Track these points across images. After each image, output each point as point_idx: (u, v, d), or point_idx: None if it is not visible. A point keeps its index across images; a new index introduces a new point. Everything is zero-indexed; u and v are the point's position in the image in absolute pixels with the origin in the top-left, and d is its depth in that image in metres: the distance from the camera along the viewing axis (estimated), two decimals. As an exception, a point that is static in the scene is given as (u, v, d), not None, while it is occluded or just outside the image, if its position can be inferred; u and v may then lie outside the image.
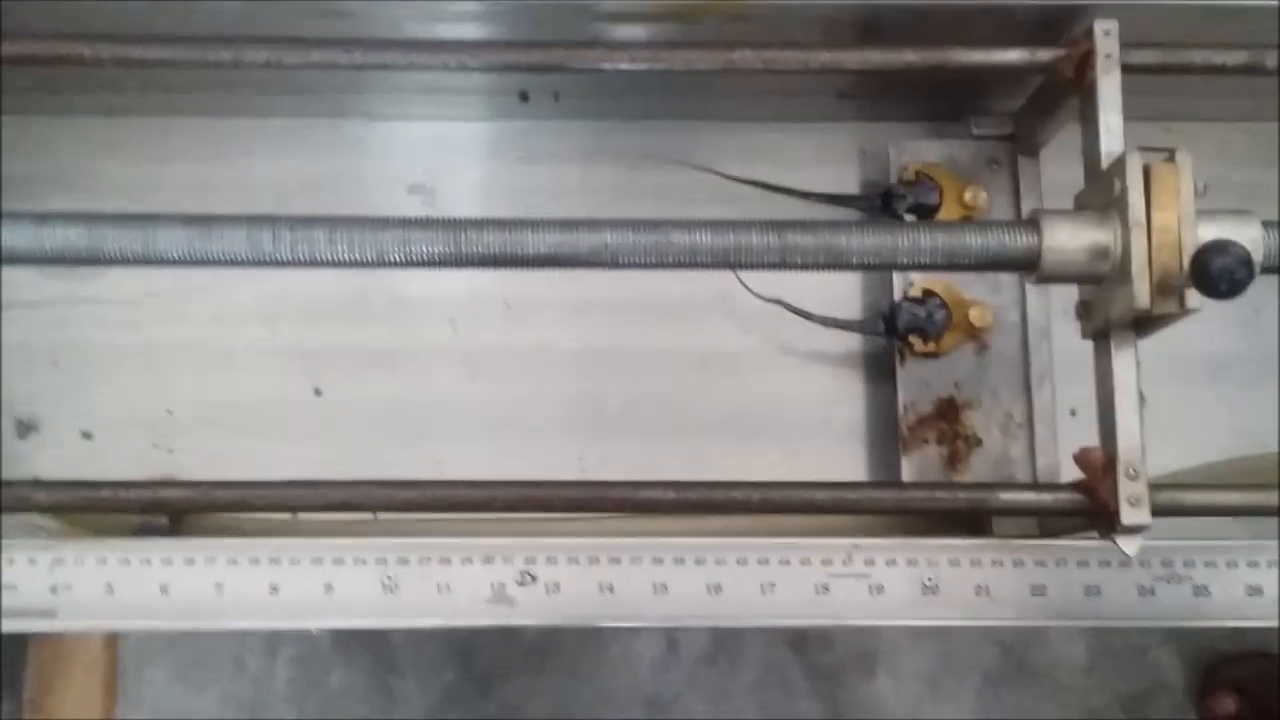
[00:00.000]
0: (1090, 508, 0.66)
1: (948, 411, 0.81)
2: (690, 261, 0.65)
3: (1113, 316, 0.64)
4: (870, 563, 0.65)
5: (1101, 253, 0.63)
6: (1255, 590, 0.65)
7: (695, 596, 0.64)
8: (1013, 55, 0.71)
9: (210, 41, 0.69)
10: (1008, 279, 0.83)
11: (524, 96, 0.85)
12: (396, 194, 0.86)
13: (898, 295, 0.82)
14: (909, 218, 0.82)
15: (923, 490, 0.68)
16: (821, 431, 0.85)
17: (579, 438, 0.83)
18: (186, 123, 0.86)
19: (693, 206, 0.87)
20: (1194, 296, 0.61)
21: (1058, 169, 0.82)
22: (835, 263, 0.65)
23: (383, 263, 0.64)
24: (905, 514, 0.68)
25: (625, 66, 0.71)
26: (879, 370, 0.86)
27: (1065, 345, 0.82)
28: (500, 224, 0.64)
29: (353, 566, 0.65)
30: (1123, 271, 0.62)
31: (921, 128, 0.88)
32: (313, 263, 0.64)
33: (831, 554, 0.65)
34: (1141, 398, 0.66)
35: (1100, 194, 0.65)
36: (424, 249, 0.64)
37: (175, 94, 0.82)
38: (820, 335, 0.86)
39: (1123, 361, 0.66)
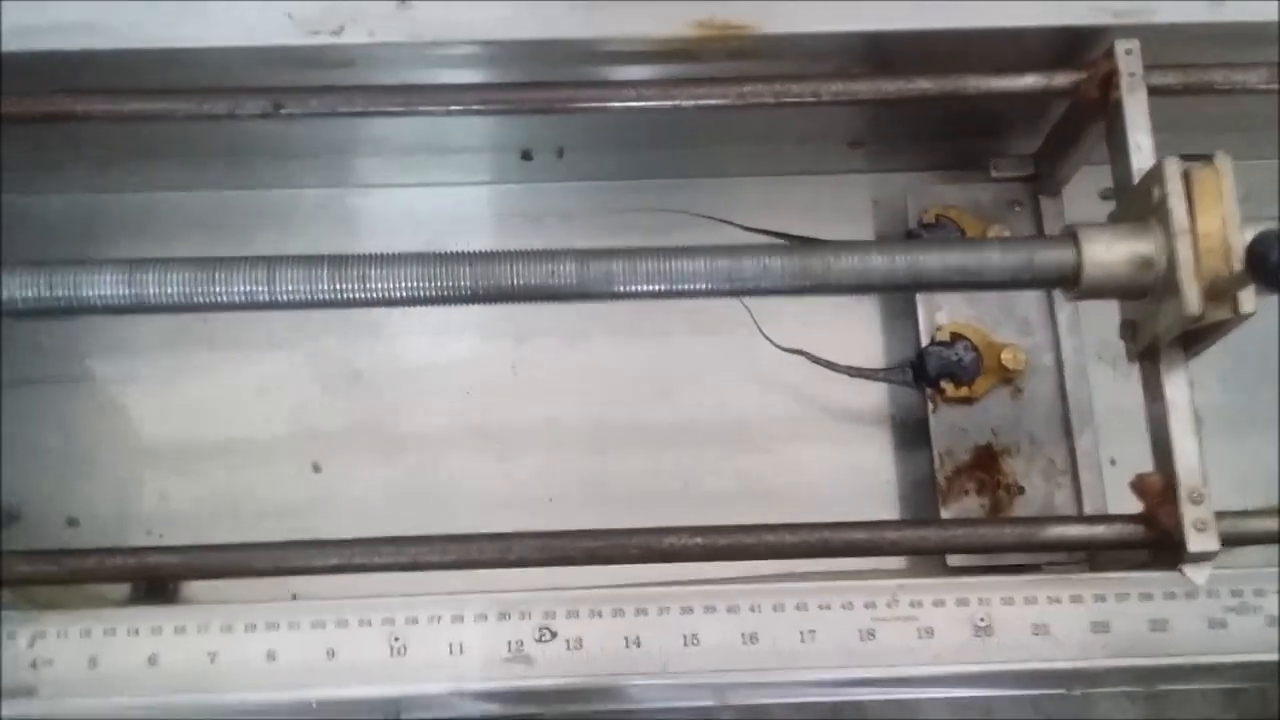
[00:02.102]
0: (1151, 538, 0.62)
1: (986, 459, 0.77)
2: (705, 289, 0.61)
3: (1160, 331, 0.61)
4: (917, 604, 0.60)
5: (1145, 263, 0.59)
6: (1339, 619, 0.59)
7: (730, 647, 0.59)
8: (1030, 80, 0.69)
9: (206, 94, 0.67)
10: (1038, 319, 0.79)
11: (527, 155, 0.83)
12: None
13: (924, 340, 0.79)
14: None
15: (966, 527, 0.63)
16: (854, 493, 0.81)
17: (592, 514, 0.78)
18: (182, 197, 0.84)
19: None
20: (1248, 299, 0.57)
21: (1080, 210, 0.80)
22: (861, 283, 0.62)
23: (341, 300, 0.61)
24: (949, 552, 0.64)
25: (633, 104, 0.69)
26: (908, 424, 0.82)
27: (1100, 394, 0.78)
28: (482, 256, 0.61)
29: (357, 629, 0.60)
30: (1169, 281, 0.59)
31: (937, 176, 0.85)
32: (262, 303, 0.60)
33: (875, 596, 0.60)
34: (1199, 420, 0.62)
35: (1136, 207, 0.62)
36: (390, 285, 0.61)
37: (171, 163, 0.80)
38: (845, 392, 0.83)
39: (1174, 380, 0.62)
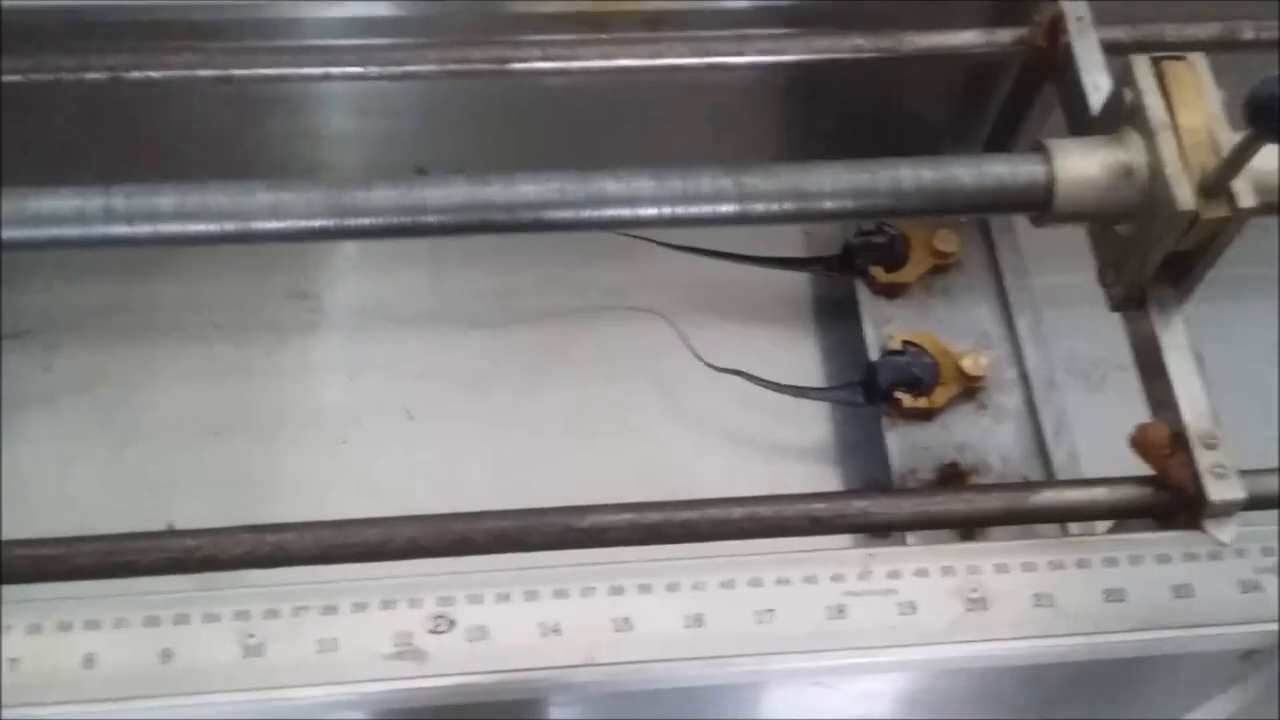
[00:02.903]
0: (1161, 500, 0.52)
1: (952, 479, 0.67)
2: (631, 218, 0.53)
3: (1149, 254, 0.53)
4: (895, 575, 0.49)
5: (1124, 171, 0.53)
6: (1391, 577, 0.50)
7: (670, 633, 0.48)
8: (971, 37, 0.64)
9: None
10: (996, 330, 0.72)
11: (421, 171, 0.75)
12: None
13: (874, 355, 0.70)
14: (875, 271, 0.72)
15: (943, 496, 0.53)
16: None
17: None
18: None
19: (629, 287, 0.77)
20: (1245, 191, 0.50)
21: None
22: (804, 211, 0.54)
23: (247, 236, 0.52)
24: (925, 527, 0.53)
25: (539, 65, 0.62)
26: (860, 451, 0.72)
27: (1073, 408, 0.70)
28: (394, 181, 0.52)
29: (201, 625, 0.47)
30: (1154, 189, 0.52)
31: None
32: (156, 240, 0.51)
33: (844, 567, 0.49)
34: (1200, 359, 0.54)
35: (1106, 123, 0.56)
36: (298, 216, 0.52)
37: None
38: (786, 424, 0.74)
39: (1166, 320, 0.55)
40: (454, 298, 0.77)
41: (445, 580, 0.49)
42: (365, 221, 0.52)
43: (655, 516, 0.51)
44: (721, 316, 0.77)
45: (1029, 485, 0.54)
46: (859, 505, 0.52)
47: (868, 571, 0.49)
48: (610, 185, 0.52)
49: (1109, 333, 0.58)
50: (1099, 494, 0.53)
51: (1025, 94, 0.67)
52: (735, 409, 0.73)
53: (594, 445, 0.73)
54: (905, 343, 0.70)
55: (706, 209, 0.52)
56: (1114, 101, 0.55)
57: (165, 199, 0.51)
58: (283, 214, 0.52)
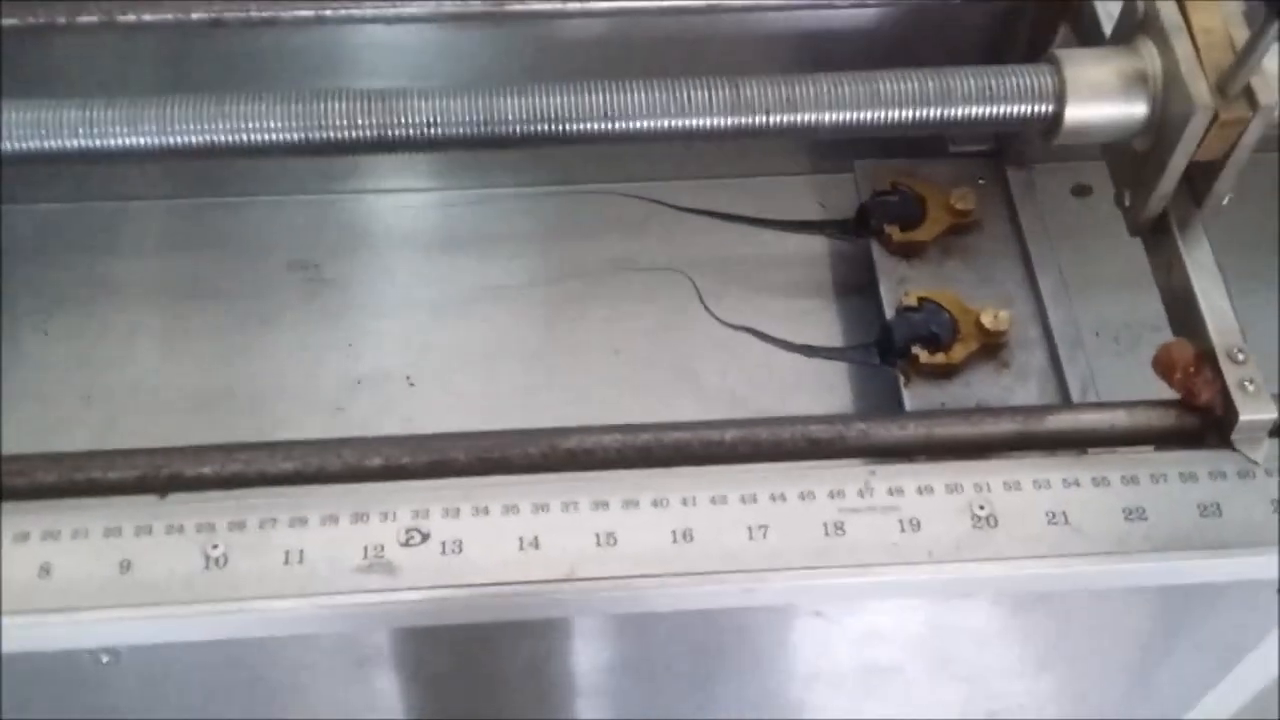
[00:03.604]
0: (1186, 422, 0.49)
1: (971, 437, 0.64)
2: (627, 130, 0.51)
3: (1166, 175, 0.51)
4: (897, 492, 0.46)
5: (1138, 78, 0.50)
6: None
7: (657, 548, 0.45)
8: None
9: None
10: (1017, 288, 0.69)
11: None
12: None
13: (889, 313, 0.68)
14: (890, 230, 0.70)
15: (951, 419, 0.50)
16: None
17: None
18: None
19: (641, 253, 0.75)
20: (1266, 86, 0.47)
21: (1052, 205, 0.72)
22: (801, 125, 0.51)
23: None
24: (931, 452, 0.50)
25: (536, 6, 0.60)
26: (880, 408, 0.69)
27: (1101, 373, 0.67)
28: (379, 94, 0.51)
29: (163, 537, 0.45)
30: (1171, 93, 0.49)
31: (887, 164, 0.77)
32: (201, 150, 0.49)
33: (843, 483, 0.46)
34: (1223, 272, 0.51)
35: (1120, 38, 0.53)
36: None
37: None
38: (803, 390, 0.71)
39: (1190, 237, 0.52)
40: (461, 264, 0.75)
41: (421, 494, 0.46)
42: (355, 134, 0.51)
43: (645, 438, 0.49)
44: (738, 283, 0.75)
45: (1043, 408, 0.50)
46: (860, 427, 0.49)
47: (869, 488, 0.46)
48: (603, 96, 0.50)
49: (1138, 296, 0.56)
50: (1119, 417, 0.50)
51: (1044, 35, 0.65)
52: (752, 373, 0.70)
53: (605, 411, 0.70)
54: (921, 299, 0.67)
55: (702, 121, 0.50)
56: (1127, 16, 0.53)
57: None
58: (268, 125, 0.50)
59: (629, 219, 0.76)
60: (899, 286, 0.69)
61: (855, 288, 0.74)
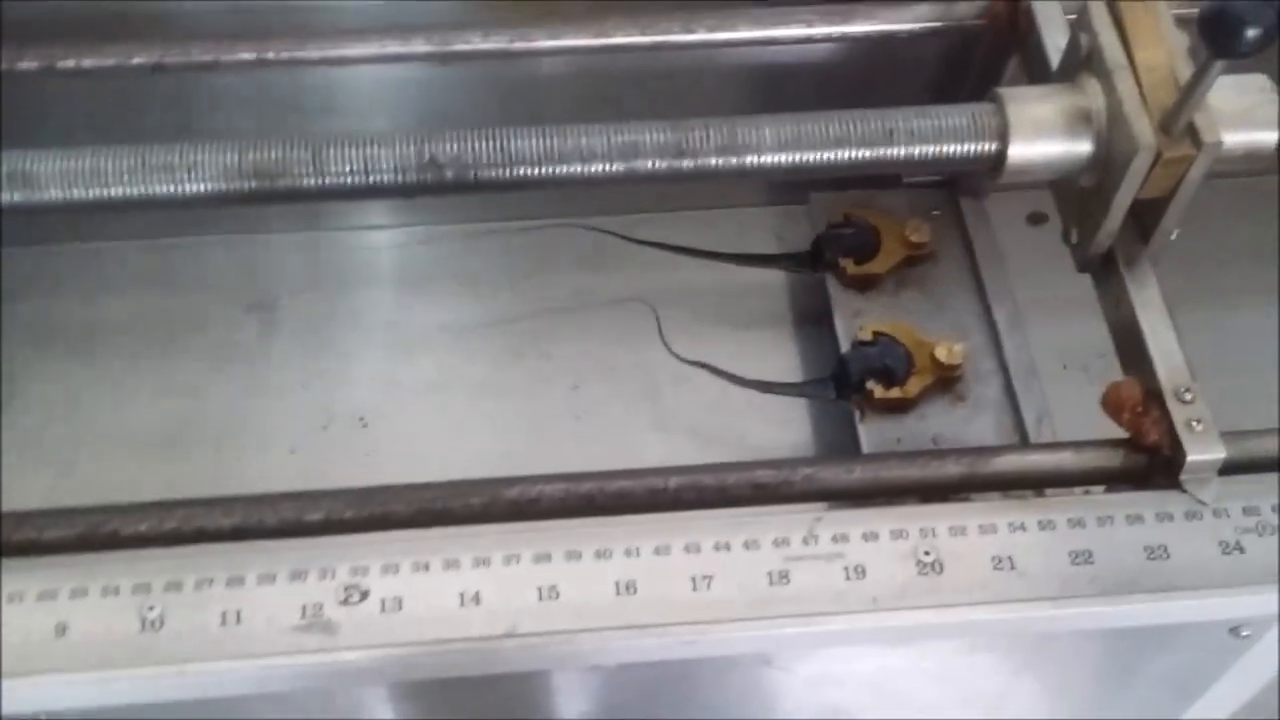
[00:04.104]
0: (1135, 462, 0.49)
1: (927, 471, 0.63)
2: (581, 174, 0.51)
3: (1112, 213, 0.50)
4: (842, 539, 0.46)
5: (1083, 116, 0.50)
6: (1382, 536, 0.46)
7: (599, 602, 0.45)
8: (927, 10, 0.62)
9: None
10: (972, 319, 0.69)
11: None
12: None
13: (845, 346, 0.67)
14: (845, 263, 0.69)
15: (898, 462, 0.50)
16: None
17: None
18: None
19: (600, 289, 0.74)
20: (1208, 125, 0.47)
21: (1008, 234, 0.72)
22: (744, 168, 0.51)
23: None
24: (878, 495, 0.50)
25: (482, 46, 0.60)
26: (839, 449, 0.69)
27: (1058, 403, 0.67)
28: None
29: (99, 600, 0.44)
30: (1114, 132, 0.49)
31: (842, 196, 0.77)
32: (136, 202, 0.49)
33: (788, 531, 0.46)
34: (1171, 312, 0.51)
35: (1065, 76, 0.53)
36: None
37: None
38: (765, 424, 0.71)
39: (1136, 274, 0.52)
40: (419, 302, 0.75)
41: (361, 549, 0.46)
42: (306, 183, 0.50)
43: (588, 486, 0.48)
44: (697, 315, 0.75)
45: (991, 450, 0.50)
46: (806, 472, 0.49)
47: (813, 535, 0.46)
48: (524, 141, 0.50)
49: (1096, 325, 0.56)
50: (1066, 458, 0.49)
51: (995, 68, 0.65)
52: (713, 406, 0.70)
53: (565, 448, 0.70)
54: (876, 333, 0.67)
55: (645, 164, 0.50)
56: (1071, 50, 0.53)
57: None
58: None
59: (587, 253, 0.76)
60: (854, 319, 0.69)
61: (814, 319, 0.74)
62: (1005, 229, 0.72)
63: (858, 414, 0.66)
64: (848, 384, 0.66)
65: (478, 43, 0.61)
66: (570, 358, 0.73)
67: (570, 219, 0.76)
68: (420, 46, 0.60)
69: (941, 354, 0.65)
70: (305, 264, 0.75)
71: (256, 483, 0.66)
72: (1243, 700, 0.56)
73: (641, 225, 0.76)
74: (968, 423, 0.65)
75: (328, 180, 0.49)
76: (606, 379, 0.73)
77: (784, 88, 0.72)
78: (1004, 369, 0.67)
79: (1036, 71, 0.58)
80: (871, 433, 0.65)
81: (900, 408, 0.65)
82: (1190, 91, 0.46)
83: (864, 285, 0.70)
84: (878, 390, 0.65)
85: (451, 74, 0.65)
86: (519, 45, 0.60)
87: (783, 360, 0.74)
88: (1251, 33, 0.42)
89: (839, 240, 0.70)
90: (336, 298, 0.75)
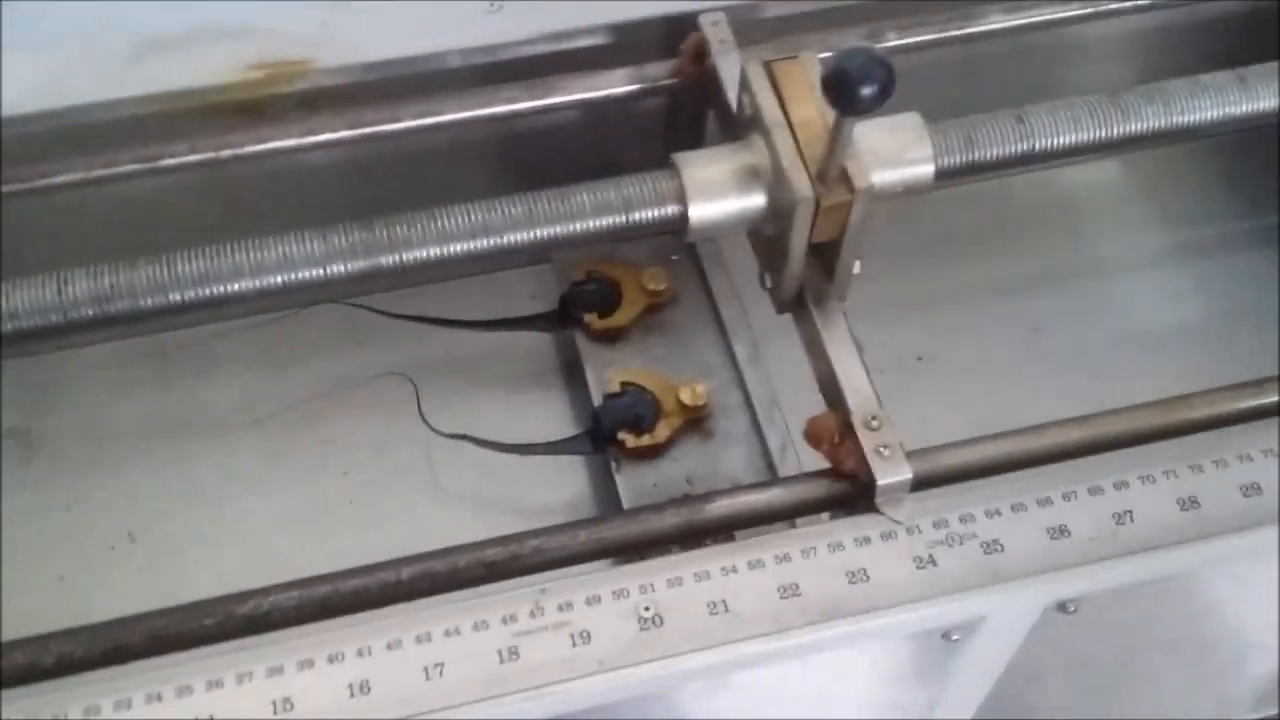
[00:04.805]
0: (839, 490, 0.52)
1: (684, 512, 0.66)
2: (262, 287, 0.52)
3: (791, 258, 0.54)
4: (567, 607, 0.48)
5: (752, 172, 0.53)
6: (1059, 531, 0.50)
7: (333, 707, 0.46)
8: (621, 75, 0.65)
9: None
10: (716, 356, 0.72)
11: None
12: None
13: (597, 400, 0.70)
14: (590, 319, 0.72)
15: (620, 522, 0.52)
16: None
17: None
18: None
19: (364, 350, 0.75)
20: (859, 171, 0.51)
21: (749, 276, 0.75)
22: (426, 260, 0.53)
23: None
24: (602, 557, 0.52)
25: (190, 159, 0.61)
26: (611, 500, 0.71)
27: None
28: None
29: None
30: (778, 178, 0.53)
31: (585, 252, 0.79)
32: None
33: (515, 607, 0.48)
34: (858, 345, 0.54)
35: (739, 131, 0.56)
36: None
37: None
38: (539, 480, 0.72)
39: (826, 312, 0.55)
40: (177, 405, 0.74)
41: (82, 689, 0.46)
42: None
43: (323, 590, 0.49)
44: (460, 383, 0.76)
45: (703, 497, 0.53)
46: (533, 544, 0.51)
47: (539, 608, 0.48)
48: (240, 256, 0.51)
49: None
50: (775, 495, 0.52)
51: (697, 123, 0.68)
52: (488, 471, 0.72)
53: (338, 538, 0.71)
54: (624, 383, 0.69)
55: (316, 272, 0.51)
56: (740, 109, 0.56)
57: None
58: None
59: (345, 333, 0.76)
60: (605, 372, 0.71)
61: (579, 375, 0.76)
62: (741, 267, 0.75)
63: (614, 465, 0.68)
64: (602, 437, 0.68)
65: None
66: (339, 441, 0.74)
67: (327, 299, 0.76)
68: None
69: (686, 396, 0.68)
70: (55, 382, 0.75)
71: (30, 618, 0.66)
72: (984, 692, 0.60)
73: (401, 299, 0.77)
74: (717, 459, 0.68)
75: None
76: (377, 459, 0.74)
77: (529, 158, 0.74)
78: (748, 402, 0.70)
79: (729, 126, 0.61)
80: (629, 482, 0.68)
81: (653, 453, 0.68)
82: (832, 146, 0.49)
83: (611, 338, 0.72)
84: (629, 439, 0.67)
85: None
86: (223, 154, 0.61)
87: (553, 418, 0.76)
88: (867, 91, 0.45)
89: (583, 296, 0.72)
90: (95, 412, 0.74)
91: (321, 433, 0.74)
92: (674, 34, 0.66)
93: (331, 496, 0.72)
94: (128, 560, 0.69)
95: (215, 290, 0.52)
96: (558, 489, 0.73)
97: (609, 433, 0.68)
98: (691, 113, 0.68)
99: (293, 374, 0.76)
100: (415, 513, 0.72)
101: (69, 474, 0.72)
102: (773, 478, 0.57)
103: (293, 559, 0.69)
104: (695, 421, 0.69)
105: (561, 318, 0.73)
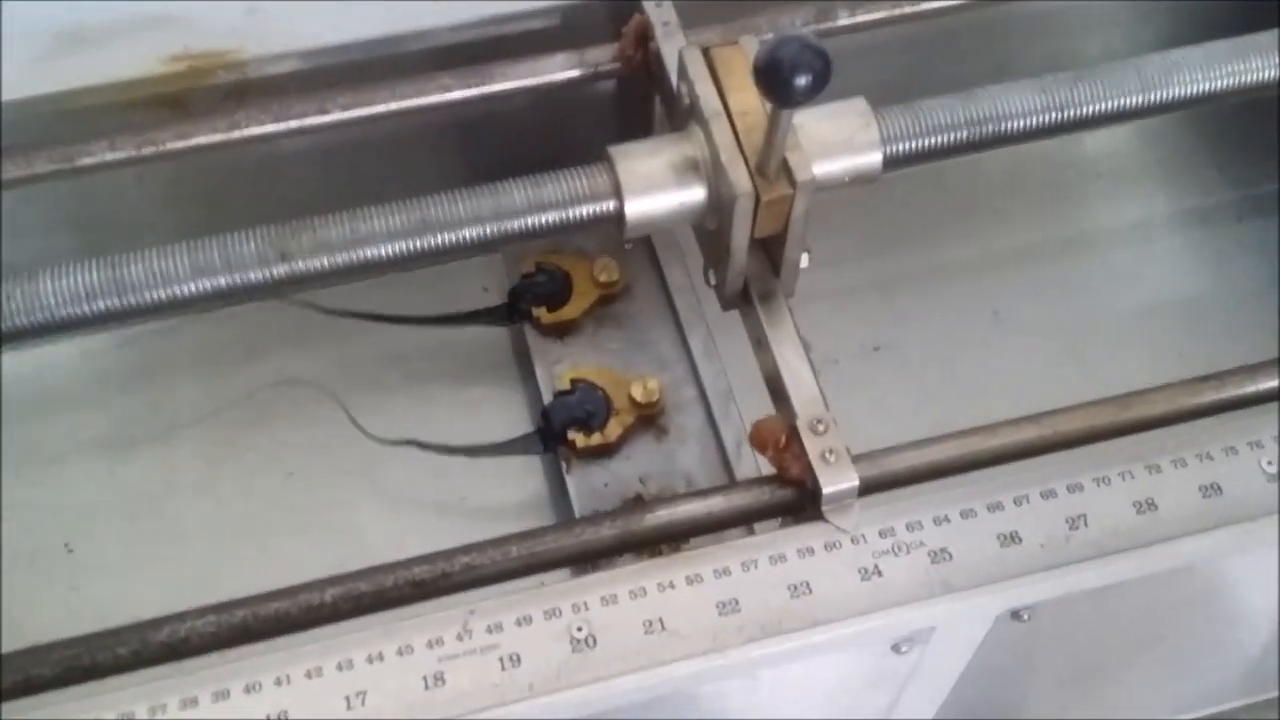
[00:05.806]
0: (785, 497, 0.50)
1: (636, 512, 0.64)
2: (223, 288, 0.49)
3: (734, 254, 0.51)
4: (496, 628, 0.46)
5: (690, 165, 0.51)
6: (1009, 538, 0.48)
7: (250, 738, 0.44)
8: (562, 60, 0.62)
9: None
10: (670, 349, 0.69)
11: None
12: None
13: (547, 398, 0.68)
14: (538, 313, 0.69)
15: (556, 534, 0.50)
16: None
17: None
18: None
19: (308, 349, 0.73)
20: (800, 163, 0.48)
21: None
22: (352, 263, 0.51)
23: None
24: (541, 571, 0.50)
25: (109, 157, 0.58)
26: (563, 501, 0.69)
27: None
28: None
29: None
30: (717, 171, 0.50)
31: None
32: None
33: (441, 630, 0.46)
34: (806, 345, 0.52)
35: (679, 121, 0.54)
36: None
37: None
38: (489, 476, 0.70)
39: (771, 309, 0.53)
40: (117, 409, 0.72)
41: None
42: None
43: (242, 614, 0.47)
44: (407, 380, 0.74)
45: (642, 506, 0.50)
46: (463, 560, 0.49)
47: (467, 630, 0.46)
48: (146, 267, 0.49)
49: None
50: (715, 504, 0.50)
51: (646, 110, 0.65)
52: (438, 471, 0.70)
53: (280, 546, 0.69)
54: (575, 380, 0.67)
55: (241, 277, 0.49)
56: (679, 101, 0.54)
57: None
58: None
59: (289, 331, 0.74)
60: (555, 368, 0.69)
61: (531, 369, 0.74)
62: (698, 254, 0.73)
63: (564, 466, 0.66)
64: (552, 436, 0.66)
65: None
66: (280, 444, 0.72)
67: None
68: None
69: (638, 393, 0.66)
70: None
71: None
72: (944, 694, 0.58)
73: (351, 294, 0.75)
74: (671, 457, 0.66)
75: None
76: (322, 461, 0.71)
77: (468, 148, 0.71)
78: (704, 397, 0.68)
79: (673, 114, 0.59)
80: (579, 484, 0.66)
81: (605, 453, 0.66)
82: (770, 140, 0.47)
83: (562, 331, 0.70)
84: (579, 439, 0.65)
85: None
86: (145, 151, 0.58)
87: (509, 413, 0.74)
88: (802, 81, 0.43)
89: (533, 289, 0.70)
90: (30, 417, 0.72)
91: (264, 434, 0.72)
92: (622, 17, 0.63)
93: (275, 500, 0.70)
94: (65, 572, 0.67)
95: (143, 298, 0.49)
96: (510, 488, 0.71)
97: (559, 432, 0.66)
98: (639, 100, 0.65)
99: (235, 374, 0.74)
100: (358, 517, 0.70)
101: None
102: (718, 484, 0.55)
103: (235, 566, 0.68)
104: (648, 419, 0.67)
105: (510, 312, 0.71)
